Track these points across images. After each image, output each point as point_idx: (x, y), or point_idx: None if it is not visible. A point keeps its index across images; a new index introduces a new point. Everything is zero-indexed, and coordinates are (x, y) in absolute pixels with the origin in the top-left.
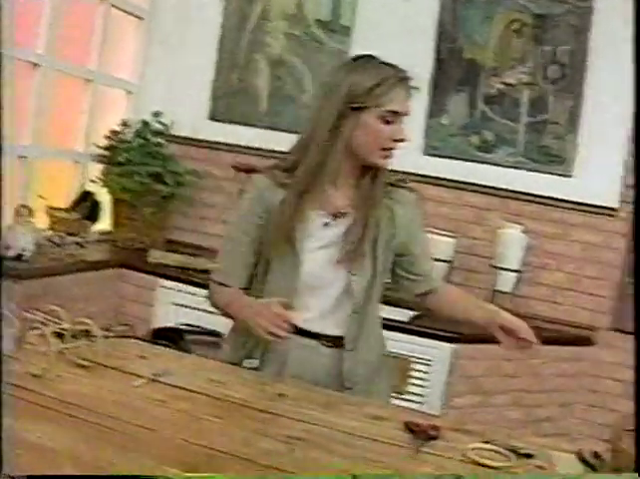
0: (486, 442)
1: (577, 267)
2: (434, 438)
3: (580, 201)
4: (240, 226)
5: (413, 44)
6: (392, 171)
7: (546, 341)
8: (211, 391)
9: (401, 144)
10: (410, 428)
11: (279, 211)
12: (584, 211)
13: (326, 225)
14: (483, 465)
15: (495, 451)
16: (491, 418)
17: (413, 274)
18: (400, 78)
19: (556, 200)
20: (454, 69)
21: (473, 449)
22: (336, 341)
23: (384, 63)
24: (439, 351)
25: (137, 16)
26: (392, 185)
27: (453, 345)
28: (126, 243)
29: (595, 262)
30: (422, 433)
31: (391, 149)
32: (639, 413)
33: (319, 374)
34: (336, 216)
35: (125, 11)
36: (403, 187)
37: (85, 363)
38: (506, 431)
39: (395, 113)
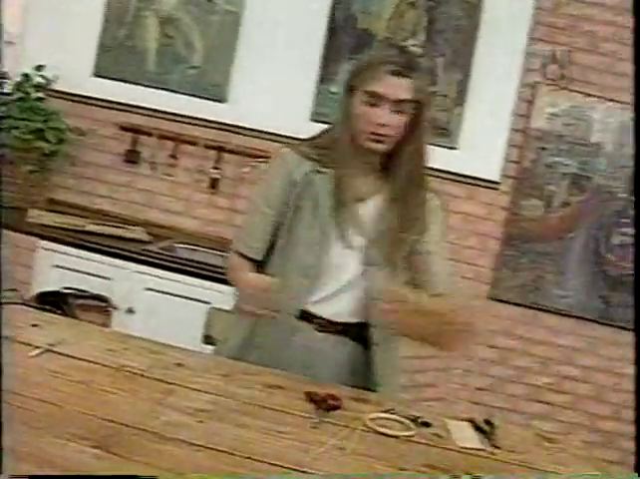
0: (386, 411)
1: (458, 238)
2: (336, 408)
3: (463, 173)
4: (265, 198)
5: (307, 10)
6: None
7: None
8: (109, 361)
9: (382, 128)
10: (311, 398)
11: (312, 186)
12: (467, 183)
13: (347, 207)
14: (385, 434)
15: (395, 420)
16: None
17: (422, 272)
18: (386, 60)
19: (440, 171)
20: (347, 37)
21: (373, 419)
22: (356, 330)
23: (397, 46)
24: None
25: None
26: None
27: None
28: (3, 202)
29: (476, 234)
30: (323, 403)
31: (379, 133)
32: (639, 413)
33: (340, 369)
34: (358, 199)
35: None
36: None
37: None
38: (403, 399)
39: (377, 95)
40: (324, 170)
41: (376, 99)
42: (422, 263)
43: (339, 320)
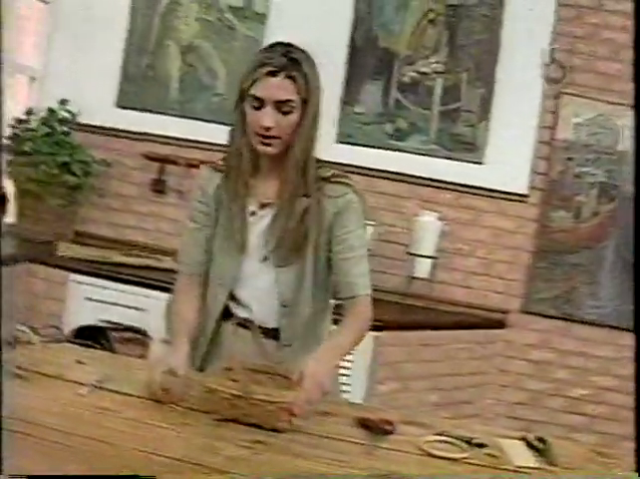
0: (440, 433)
1: (489, 252)
2: (389, 433)
3: (491, 187)
4: (191, 217)
5: (328, 32)
6: (327, 167)
7: (462, 325)
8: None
9: (267, 131)
10: (364, 424)
11: (219, 198)
12: (495, 197)
13: (253, 214)
14: (442, 457)
15: (449, 443)
16: (412, 403)
17: (335, 274)
18: (263, 62)
19: (468, 187)
20: (368, 57)
21: (427, 442)
22: (272, 333)
23: (274, 46)
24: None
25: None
26: (325, 179)
27: (374, 333)
28: (32, 237)
29: (506, 247)
30: (377, 429)
31: (265, 136)
32: (639, 413)
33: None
34: (263, 205)
35: None
36: (339, 182)
37: (24, 373)
38: (454, 422)
39: (258, 98)
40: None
41: (259, 102)
42: (335, 266)
43: (258, 324)
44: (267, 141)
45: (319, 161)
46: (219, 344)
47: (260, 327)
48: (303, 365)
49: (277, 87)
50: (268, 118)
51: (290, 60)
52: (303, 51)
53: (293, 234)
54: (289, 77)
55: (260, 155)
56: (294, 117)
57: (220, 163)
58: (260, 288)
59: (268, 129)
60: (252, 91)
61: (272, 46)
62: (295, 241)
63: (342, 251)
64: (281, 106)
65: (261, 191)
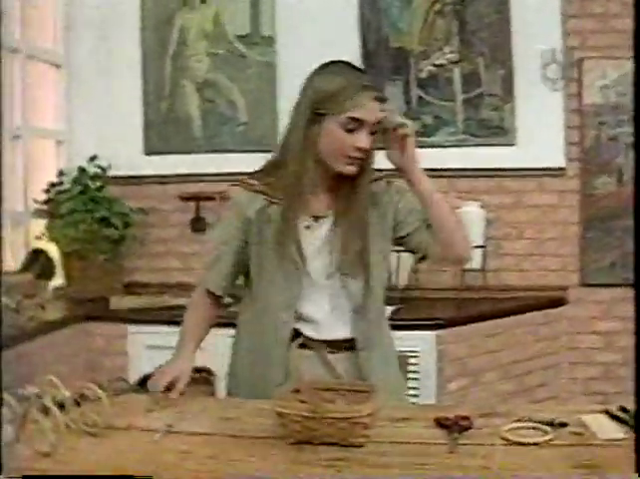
0: (519, 420)
1: (537, 232)
2: (467, 428)
3: (527, 166)
4: (223, 240)
5: (338, 41)
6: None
7: (522, 309)
8: (231, 429)
9: (363, 153)
10: (441, 424)
11: (268, 220)
12: (533, 175)
13: (308, 227)
14: (526, 444)
15: (531, 428)
16: (485, 396)
17: (430, 240)
18: (363, 85)
19: (505, 170)
20: (383, 59)
21: (508, 430)
22: (346, 344)
23: (355, 68)
24: (424, 341)
25: (53, 64)
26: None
27: (436, 332)
28: (84, 295)
29: (553, 224)
30: (455, 426)
31: (357, 157)
32: (639, 411)
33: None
34: (316, 218)
35: (42, 60)
36: (378, 178)
37: (94, 430)
38: (532, 406)
39: (356, 120)
40: (276, 201)
41: (357, 124)
42: (427, 233)
43: (329, 339)
44: (357, 161)
45: None
46: (289, 367)
47: (328, 341)
48: None
49: (376, 110)
50: (367, 140)
51: (373, 82)
52: None
53: (357, 240)
54: (380, 99)
55: (325, 175)
56: (374, 138)
57: (252, 183)
58: (326, 301)
59: (363, 150)
60: (351, 114)
61: (357, 70)
62: (360, 247)
63: (424, 219)
64: (373, 127)
65: (313, 204)
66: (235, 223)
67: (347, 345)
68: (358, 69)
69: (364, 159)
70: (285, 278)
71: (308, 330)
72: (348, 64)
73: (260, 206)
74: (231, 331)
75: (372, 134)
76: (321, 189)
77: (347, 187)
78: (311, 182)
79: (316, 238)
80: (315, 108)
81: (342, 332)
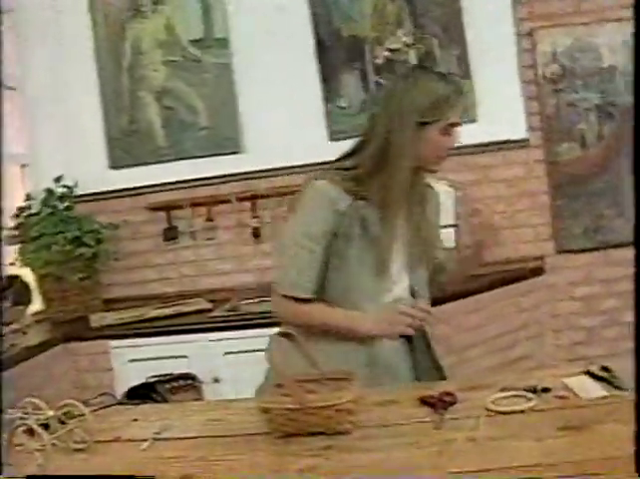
0: (502, 390)
1: (507, 205)
2: (452, 403)
3: (491, 141)
4: (309, 234)
5: (292, 36)
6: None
7: (501, 283)
8: (219, 431)
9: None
10: (426, 402)
11: (361, 217)
12: (498, 149)
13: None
14: (510, 412)
15: (515, 396)
16: (472, 372)
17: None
18: (457, 91)
19: (469, 147)
20: (337, 49)
21: (493, 401)
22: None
23: (440, 74)
24: None
25: (9, 87)
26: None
27: None
28: (64, 316)
29: (522, 195)
30: (439, 402)
31: (444, 156)
32: (639, 409)
33: (406, 374)
34: None
35: None
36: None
37: (82, 446)
38: (516, 376)
39: (455, 124)
40: (365, 196)
41: (452, 128)
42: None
43: None
44: (444, 159)
45: None
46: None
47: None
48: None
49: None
50: (457, 137)
51: (456, 82)
52: None
53: (424, 234)
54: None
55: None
56: None
57: (339, 179)
58: (399, 293)
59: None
60: (453, 119)
61: (443, 74)
62: (427, 241)
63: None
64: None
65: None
66: (326, 215)
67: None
68: (442, 73)
69: None
70: (371, 273)
71: None
72: (431, 70)
73: (350, 201)
74: (213, 336)
75: None
76: None
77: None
78: (404, 186)
79: (403, 235)
80: (419, 117)
81: None
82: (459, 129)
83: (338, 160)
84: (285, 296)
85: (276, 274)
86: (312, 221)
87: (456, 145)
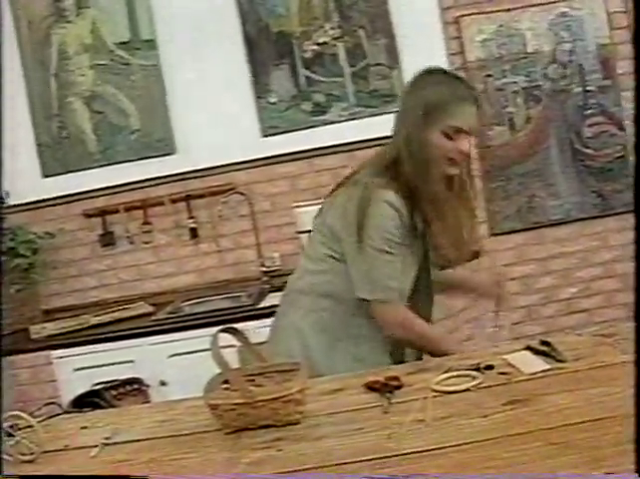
0: (447, 371)
1: None
2: (398, 387)
3: None
4: (389, 241)
5: (220, 35)
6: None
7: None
8: (169, 430)
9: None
10: (372, 388)
11: (413, 224)
12: None
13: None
14: (456, 392)
15: (459, 376)
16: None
17: None
18: (461, 96)
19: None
20: (266, 45)
21: (438, 382)
22: None
23: (455, 77)
24: None
25: None
26: None
27: None
28: (3, 329)
29: None
30: (385, 387)
31: (459, 161)
32: (639, 410)
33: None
34: None
35: None
36: None
37: (30, 457)
38: (459, 356)
39: (457, 129)
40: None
41: (457, 131)
42: None
43: None
44: (459, 164)
45: None
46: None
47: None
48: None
49: (474, 117)
50: (468, 144)
51: (473, 89)
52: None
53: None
54: (477, 106)
55: None
56: None
57: (393, 185)
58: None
59: (467, 154)
60: (452, 122)
61: (447, 76)
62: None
63: None
64: (472, 131)
65: None
66: (399, 226)
67: None
68: (457, 77)
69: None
70: (413, 273)
71: None
72: (446, 72)
73: (406, 210)
74: (157, 339)
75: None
76: None
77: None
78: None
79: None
80: (428, 115)
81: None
82: (466, 136)
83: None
84: (382, 302)
85: (363, 285)
86: (388, 229)
87: (466, 151)
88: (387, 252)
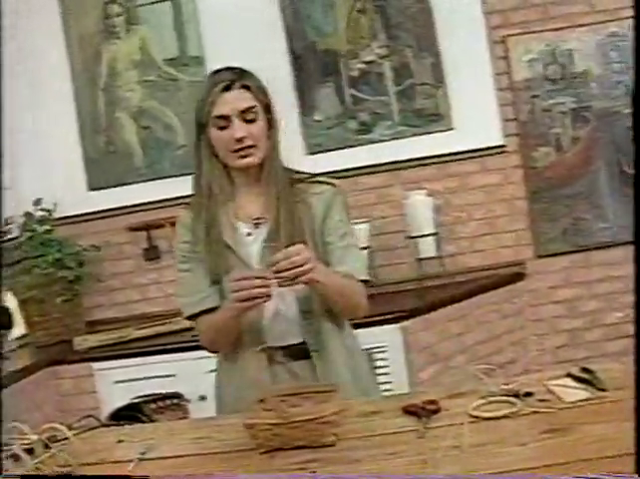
0: (485, 396)
1: (486, 211)
2: (436, 411)
3: (467, 148)
4: (181, 258)
5: (266, 52)
6: (298, 171)
7: (483, 289)
8: (202, 448)
9: (242, 142)
10: (409, 411)
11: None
12: (474, 156)
13: (249, 234)
14: (493, 418)
15: (498, 401)
16: (458, 379)
17: (332, 264)
18: (213, 84)
19: (446, 155)
20: (312, 63)
21: (476, 408)
22: (297, 350)
23: (218, 70)
24: (389, 334)
25: None
26: (304, 181)
27: (400, 324)
28: (47, 340)
29: (500, 201)
30: (423, 411)
31: (241, 148)
32: (639, 411)
33: None
34: (256, 224)
35: None
36: (319, 181)
37: (67, 469)
38: (497, 381)
39: (223, 117)
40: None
41: (224, 120)
42: (331, 255)
43: (284, 344)
44: (244, 152)
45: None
46: (251, 374)
47: (285, 348)
48: None
49: (236, 98)
50: (239, 129)
51: (236, 73)
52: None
53: (291, 241)
54: (244, 87)
55: (235, 175)
56: (260, 124)
57: (191, 201)
58: (277, 306)
59: (241, 139)
60: (214, 113)
61: (215, 71)
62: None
63: (336, 241)
64: (246, 115)
65: (249, 211)
66: (188, 240)
67: (301, 350)
68: (231, 67)
69: (253, 146)
70: None
71: (265, 337)
72: (226, 67)
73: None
74: (198, 354)
75: (248, 121)
76: (247, 194)
77: (270, 188)
78: (221, 187)
79: (257, 243)
80: (197, 122)
81: (294, 338)
82: (235, 120)
83: None
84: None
85: None
86: (178, 247)
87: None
88: (181, 271)
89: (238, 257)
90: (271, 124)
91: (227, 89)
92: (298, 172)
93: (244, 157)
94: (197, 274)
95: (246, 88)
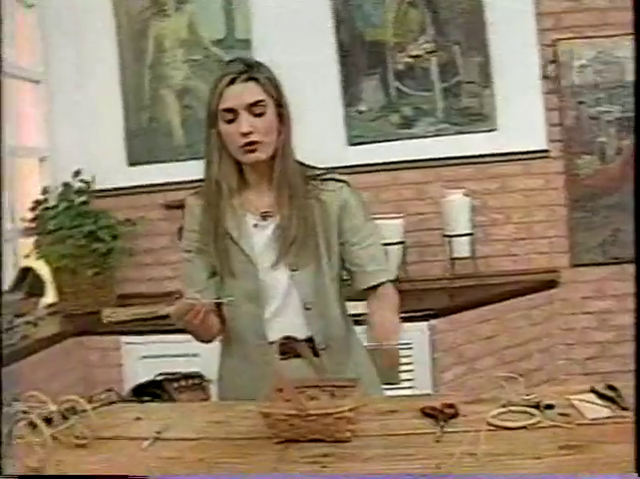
0: (505, 405)
1: (524, 215)
2: (454, 416)
3: (510, 150)
4: (186, 246)
5: (313, 40)
6: (312, 167)
7: (514, 294)
8: (218, 433)
9: (248, 137)
10: (427, 413)
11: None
12: (517, 159)
13: (255, 226)
14: (512, 428)
15: (517, 411)
16: (481, 383)
17: (353, 266)
18: (220, 77)
19: (488, 156)
20: (359, 54)
21: (494, 416)
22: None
23: (229, 62)
24: (416, 332)
25: (32, 80)
26: (316, 178)
27: (428, 322)
28: (76, 310)
29: (540, 206)
30: (441, 414)
31: (248, 143)
32: (639, 410)
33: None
34: (264, 217)
35: (20, 78)
36: (330, 178)
37: (83, 442)
38: (522, 390)
39: (229, 110)
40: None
41: (231, 114)
42: (353, 257)
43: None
44: (251, 147)
45: (301, 163)
46: (264, 366)
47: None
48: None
49: (243, 91)
50: (245, 123)
51: (247, 65)
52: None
53: (301, 236)
54: (251, 79)
55: (246, 168)
56: (269, 117)
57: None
58: (279, 298)
59: (248, 134)
60: (221, 105)
61: (228, 62)
62: (305, 243)
63: (358, 242)
64: (254, 109)
65: (257, 204)
66: (194, 227)
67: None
68: (242, 58)
69: (260, 142)
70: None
71: (274, 328)
72: (238, 58)
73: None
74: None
75: (257, 115)
76: (258, 186)
77: (281, 182)
78: (231, 180)
79: (264, 235)
80: (208, 116)
81: (301, 332)
82: (242, 114)
83: None
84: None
85: None
86: (185, 233)
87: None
88: (184, 259)
89: (240, 249)
90: (282, 118)
91: (233, 81)
92: (311, 167)
93: (251, 152)
94: (196, 266)
95: (255, 80)
